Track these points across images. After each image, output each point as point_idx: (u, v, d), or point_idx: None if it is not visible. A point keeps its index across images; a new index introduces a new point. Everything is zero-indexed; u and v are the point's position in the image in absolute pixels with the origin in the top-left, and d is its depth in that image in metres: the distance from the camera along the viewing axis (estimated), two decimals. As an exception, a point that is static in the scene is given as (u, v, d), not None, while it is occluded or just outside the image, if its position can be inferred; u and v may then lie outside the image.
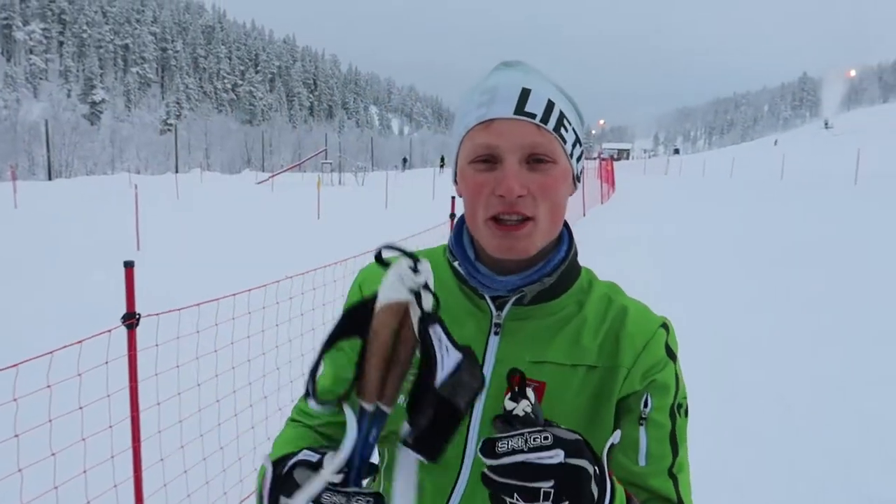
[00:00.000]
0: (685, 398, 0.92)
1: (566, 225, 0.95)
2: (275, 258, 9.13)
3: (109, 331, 2.49)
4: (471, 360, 0.67)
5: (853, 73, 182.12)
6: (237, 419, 3.27)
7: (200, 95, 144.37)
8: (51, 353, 2.24)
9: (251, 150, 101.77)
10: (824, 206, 17.05)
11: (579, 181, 0.92)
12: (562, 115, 0.87)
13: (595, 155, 46.91)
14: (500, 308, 0.90)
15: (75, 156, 76.64)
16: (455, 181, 0.92)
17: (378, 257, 0.71)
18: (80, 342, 2.36)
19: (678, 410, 0.90)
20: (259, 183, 38.23)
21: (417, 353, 0.67)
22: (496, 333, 0.90)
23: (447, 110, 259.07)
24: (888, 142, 57.82)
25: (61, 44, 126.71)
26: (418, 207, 17.45)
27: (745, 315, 6.78)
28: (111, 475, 2.57)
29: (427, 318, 0.67)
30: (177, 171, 47.95)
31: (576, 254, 0.94)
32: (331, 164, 42.86)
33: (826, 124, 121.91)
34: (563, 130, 0.87)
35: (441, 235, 6.34)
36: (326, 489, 0.64)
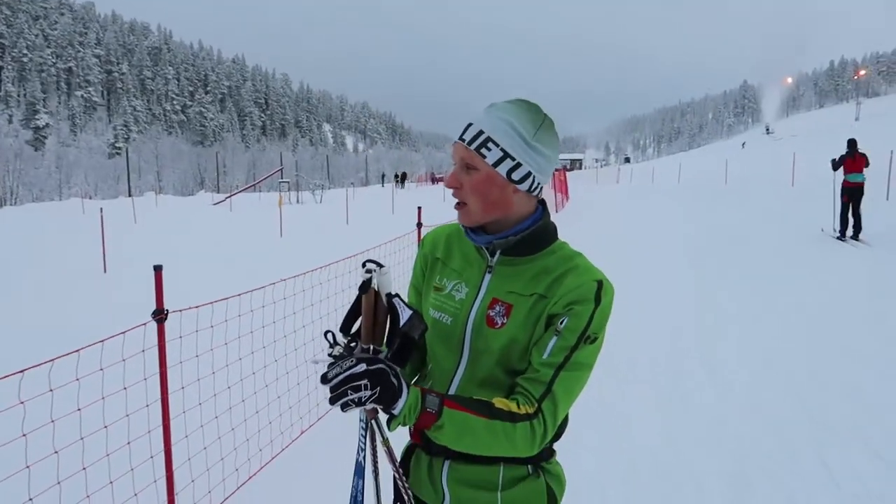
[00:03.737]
0: (597, 333, 1.33)
1: (545, 208, 1.45)
2: (245, 274, 9.46)
3: (144, 324, 2.94)
4: (418, 314, 1.28)
5: (790, 80, 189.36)
6: (244, 405, 3.72)
7: (149, 117, 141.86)
8: (101, 341, 2.68)
9: (204, 172, 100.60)
10: (764, 208, 18.14)
11: (519, 182, 1.36)
12: (487, 140, 1.34)
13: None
14: (492, 256, 1.44)
15: (20, 182, 74.71)
16: None
17: (365, 262, 1.33)
18: (123, 333, 2.80)
19: (586, 339, 1.32)
20: (216, 204, 38.02)
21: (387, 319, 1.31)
22: (489, 272, 1.45)
23: (401, 126, 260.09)
24: (823, 145, 60.65)
25: (0, 68, 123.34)
26: (378, 222, 17.85)
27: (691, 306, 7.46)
28: (148, 447, 3.01)
29: (390, 295, 1.30)
30: (130, 195, 47.27)
31: (546, 229, 1.42)
32: (288, 182, 42.93)
33: (767, 130, 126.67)
34: (484, 150, 1.34)
35: (410, 242, 6.86)
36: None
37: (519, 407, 1.30)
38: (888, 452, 3.82)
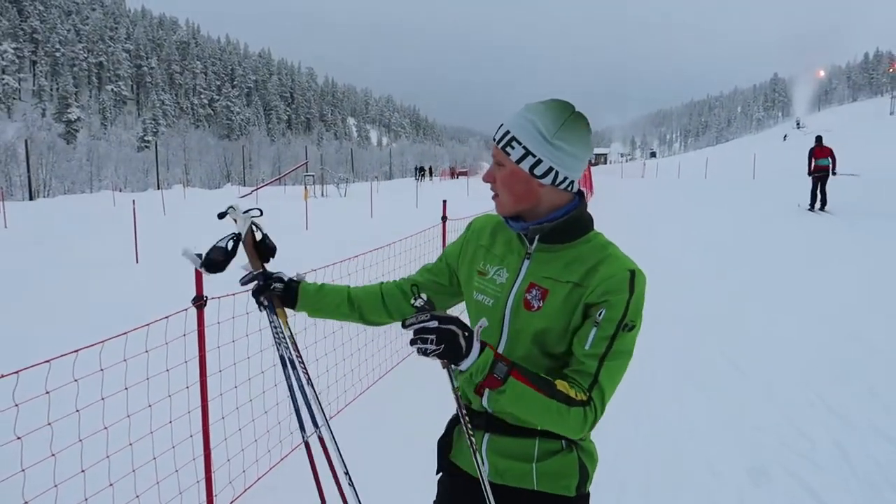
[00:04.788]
0: (634, 321, 1.42)
1: (581, 199, 1.54)
2: (272, 265, 9.66)
3: (185, 310, 3.10)
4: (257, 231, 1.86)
5: (822, 73, 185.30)
6: (277, 389, 3.87)
7: (177, 111, 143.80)
8: (147, 325, 2.84)
9: (231, 165, 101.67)
10: (781, 199, 17.93)
11: (542, 177, 1.47)
12: (511, 139, 1.46)
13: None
14: (530, 243, 1.56)
15: (53, 175, 76.25)
16: None
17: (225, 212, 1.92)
18: (166, 318, 2.97)
19: (624, 327, 1.41)
20: (242, 197, 38.51)
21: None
22: (528, 258, 1.56)
23: (425, 120, 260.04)
24: (855, 139, 59.63)
25: (34, 63, 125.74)
26: (403, 216, 18.00)
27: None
28: (188, 426, 3.19)
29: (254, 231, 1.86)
30: (159, 188, 48.09)
31: (580, 218, 1.52)
32: (313, 176, 43.30)
33: (798, 124, 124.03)
34: (508, 149, 1.47)
35: (435, 235, 6.99)
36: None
37: (576, 394, 1.41)
38: (906, 445, 3.87)
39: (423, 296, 1.42)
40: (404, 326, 1.36)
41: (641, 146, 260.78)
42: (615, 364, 1.43)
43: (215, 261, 1.80)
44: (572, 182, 1.51)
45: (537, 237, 1.53)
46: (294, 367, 1.91)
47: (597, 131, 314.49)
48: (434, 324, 1.33)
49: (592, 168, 37.56)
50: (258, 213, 1.83)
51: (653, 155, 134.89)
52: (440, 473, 1.74)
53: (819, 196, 15.88)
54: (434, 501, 1.77)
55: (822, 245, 11.32)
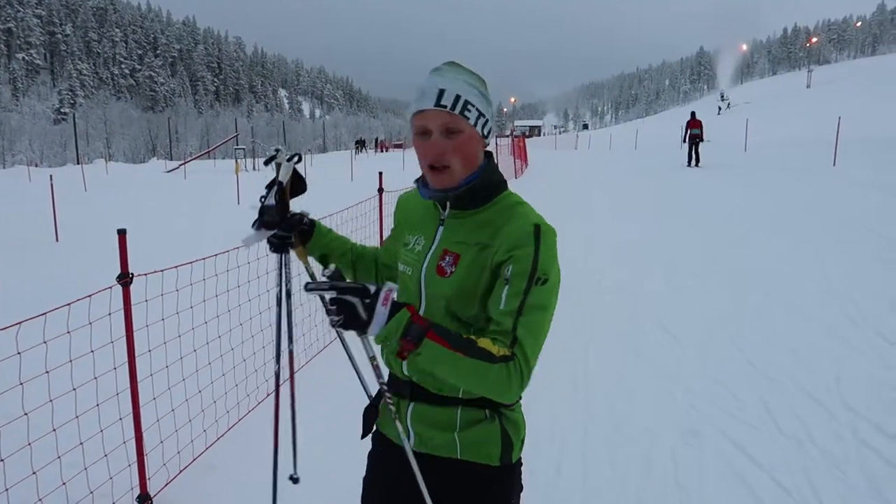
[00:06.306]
0: (547, 274, 1.40)
1: (490, 158, 1.56)
2: (203, 241, 9.32)
3: (110, 288, 2.94)
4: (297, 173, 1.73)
5: (745, 47, 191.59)
6: (210, 367, 3.76)
7: (96, 82, 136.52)
8: (68, 304, 2.68)
9: (156, 139, 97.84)
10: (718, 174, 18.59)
11: (487, 137, 1.53)
12: (466, 103, 1.45)
13: (508, 132, 48.10)
14: (444, 210, 1.56)
15: (-41, 150, 71.57)
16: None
17: (269, 159, 1.77)
18: (89, 296, 2.81)
19: (536, 280, 1.38)
20: (169, 171, 37.16)
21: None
22: (441, 225, 1.56)
23: (359, 92, 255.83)
24: (775, 111, 62.20)
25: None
26: (338, 188, 17.71)
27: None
28: (117, 409, 3.04)
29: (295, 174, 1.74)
30: (78, 162, 45.76)
31: (490, 179, 1.52)
32: (244, 149, 42.02)
33: (722, 97, 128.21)
34: (466, 112, 1.45)
35: (372, 207, 6.90)
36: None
37: (498, 350, 1.35)
38: (827, 399, 4.09)
39: (332, 266, 1.39)
40: (306, 290, 1.35)
41: (574, 118, 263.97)
42: (532, 319, 1.38)
43: (272, 222, 1.69)
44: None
45: (449, 203, 1.54)
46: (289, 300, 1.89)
47: (531, 104, 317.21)
48: (332, 294, 1.31)
49: (527, 140, 37.82)
50: (298, 158, 1.75)
51: (585, 127, 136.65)
52: (371, 447, 1.74)
53: (694, 156, 20.93)
54: (364, 476, 1.74)
55: (737, 208, 11.76)
